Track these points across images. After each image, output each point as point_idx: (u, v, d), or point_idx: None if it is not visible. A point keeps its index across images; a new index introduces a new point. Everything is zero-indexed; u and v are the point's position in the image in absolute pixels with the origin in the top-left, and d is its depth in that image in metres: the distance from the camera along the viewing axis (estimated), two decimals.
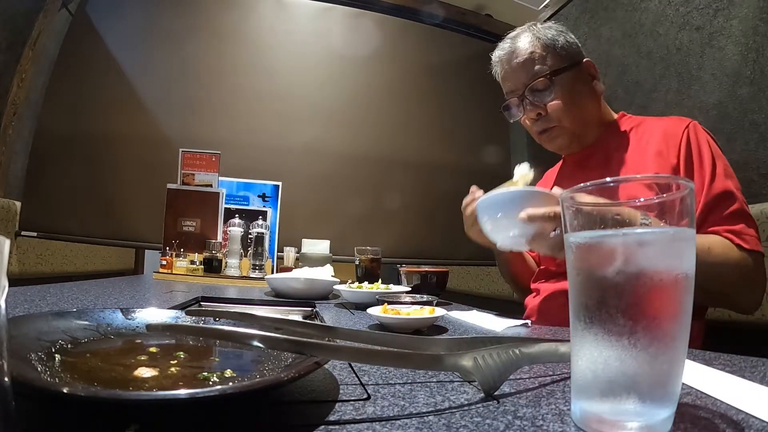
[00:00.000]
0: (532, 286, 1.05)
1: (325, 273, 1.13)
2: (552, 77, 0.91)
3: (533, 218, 0.65)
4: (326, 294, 1.06)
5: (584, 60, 0.96)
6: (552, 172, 1.15)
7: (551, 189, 1.07)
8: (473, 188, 0.91)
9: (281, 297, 1.01)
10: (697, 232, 0.78)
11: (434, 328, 0.67)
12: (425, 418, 0.28)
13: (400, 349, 0.37)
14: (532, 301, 1.02)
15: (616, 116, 1.01)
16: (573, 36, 0.97)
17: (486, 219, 0.72)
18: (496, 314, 0.86)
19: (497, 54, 0.99)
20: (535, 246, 0.70)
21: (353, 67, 2.17)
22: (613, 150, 0.94)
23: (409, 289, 1.02)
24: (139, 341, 0.40)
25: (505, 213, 0.69)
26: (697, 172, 0.81)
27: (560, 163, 1.12)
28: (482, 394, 0.33)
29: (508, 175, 0.84)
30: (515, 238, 0.69)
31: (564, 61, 0.93)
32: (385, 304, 0.70)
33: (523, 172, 0.80)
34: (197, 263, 1.40)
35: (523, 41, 0.95)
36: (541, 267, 1.06)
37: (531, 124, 0.97)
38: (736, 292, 0.76)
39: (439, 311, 0.66)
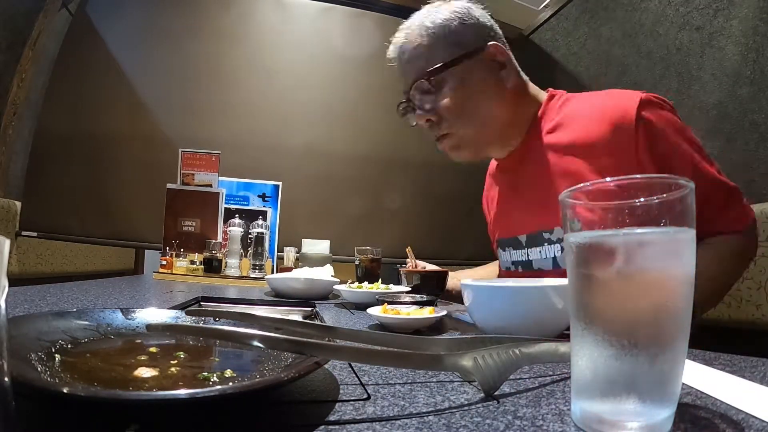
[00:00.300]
0: None
1: (325, 273, 1.13)
2: (434, 75, 0.76)
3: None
4: (326, 294, 1.06)
5: (488, 45, 0.78)
6: (490, 177, 1.02)
7: (491, 200, 1.01)
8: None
9: (281, 297, 1.01)
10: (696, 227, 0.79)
11: (434, 328, 0.67)
12: (425, 418, 0.28)
13: (400, 349, 0.37)
14: None
15: (542, 102, 0.84)
16: (477, 14, 0.80)
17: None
18: None
19: (390, 49, 0.86)
20: None
21: (353, 67, 2.17)
22: (544, 149, 0.79)
23: (409, 289, 1.02)
24: (139, 341, 0.40)
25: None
26: (677, 167, 0.69)
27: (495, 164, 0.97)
28: (482, 394, 0.33)
29: None
30: None
31: (454, 51, 0.77)
32: (385, 304, 0.70)
33: None
34: (197, 263, 1.40)
35: (411, 32, 0.81)
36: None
37: (428, 131, 0.83)
38: (740, 273, 0.82)
39: (440, 311, 0.66)
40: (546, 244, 0.82)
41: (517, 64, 0.82)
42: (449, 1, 0.81)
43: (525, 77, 0.85)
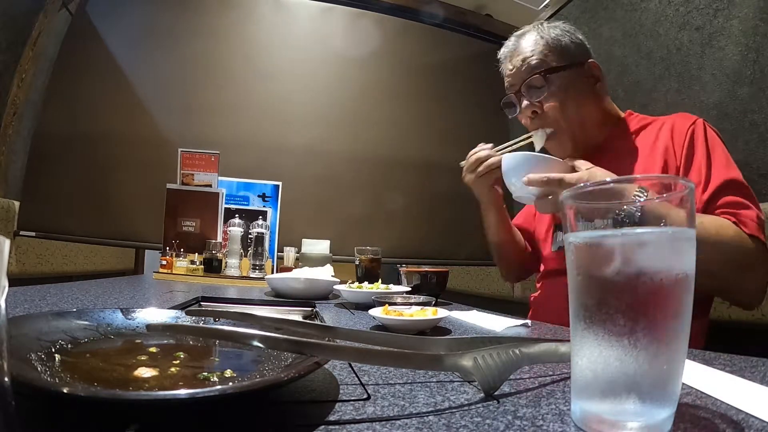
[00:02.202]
0: (537, 285, 1.05)
1: (325, 273, 1.13)
2: (547, 74, 0.90)
3: (532, 182, 0.76)
4: (326, 294, 1.06)
5: (588, 61, 0.94)
6: None
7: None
8: (484, 146, 1.00)
9: (281, 297, 1.01)
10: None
11: (434, 328, 0.67)
12: (425, 418, 0.28)
13: (400, 349, 0.37)
14: (536, 300, 1.03)
15: (623, 115, 0.99)
16: (581, 36, 0.96)
17: (511, 175, 0.82)
18: (496, 314, 0.86)
19: (502, 51, 1.01)
20: (539, 205, 0.79)
21: (353, 68, 2.17)
22: (621, 152, 0.93)
23: (409, 289, 1.02)
24: (139, 341, 0.40)
25: (526, 172, 0.78)
26: (696, 165, 0.81)
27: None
28: (482, 394, 0.33)
29: None
30: (527, 195, 0.80)
31: (564, 60, 0.92)
32: (386, 305, 0.70)
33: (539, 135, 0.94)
34: (197, 263, 1.40)
35: (527, 39, 0.95)
36: (544, 269, 1.07)
37: (529, 123, 0.96)
38: (736, 277, 0.74)
39: (442, 312, 0.66)
40: None
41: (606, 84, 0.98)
42: (557, 20, 0.99)
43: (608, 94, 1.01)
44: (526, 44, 0.94)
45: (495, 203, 1.06)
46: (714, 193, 0.78)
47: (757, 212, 0.77)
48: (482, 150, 0.99)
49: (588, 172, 0.76)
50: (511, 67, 0.97)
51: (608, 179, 0.28)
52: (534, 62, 0.92)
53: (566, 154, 0.95)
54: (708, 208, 0.78)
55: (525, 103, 0.93)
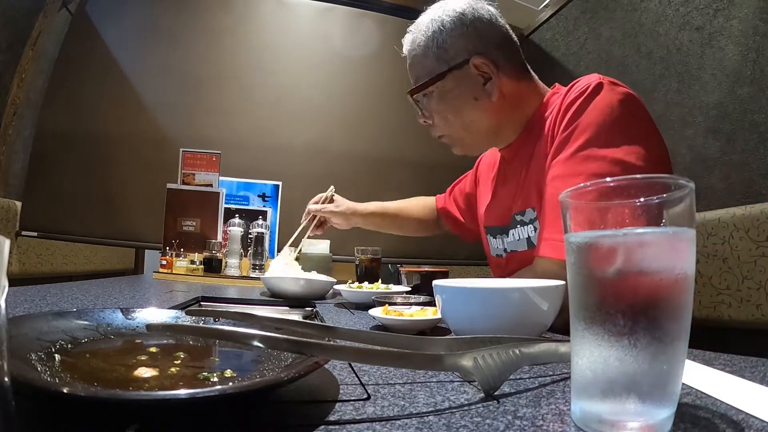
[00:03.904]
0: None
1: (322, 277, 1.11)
2: (424, 88, 0.83)
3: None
4: (323, 294, 1.05)
5: (472, 59, 0.80)
6: (490, 165, 1.07)
7: (489, 182, 1.05)
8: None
9: (277, 297, 1.01)
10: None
11: (434, 328, 0.67)
12: (425, 418, 0.28)
13: (400, 349, 0.37)
14: None
15: (546, 96, 0.86)
16: (485, 10, 0.82)
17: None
18: None
19: (403, 49, 0.91)
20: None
21: (353, 67, 2.17)
22: (536, 142, 0.82)
23: (409, 289, 1.02)
24: (139, 341, 0.40)
25: None
26: (552, 149, 0.72)
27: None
28: (482, 394, 0.33)
29: None
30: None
31: (439, 66, 0.81)
32: (386, 305, 0.70)
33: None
34: (197, 263, 1.40)
35: (407, 39, 0.87)
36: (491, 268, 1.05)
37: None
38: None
39: None
40: (519, 226, 0.86)
41: (512, 69, 0.84)
42: (446, 7, 0.83)
43: (532, 76, 0.88)
44: (407, 46, 0.87)
45: (347, 223, 1.24)
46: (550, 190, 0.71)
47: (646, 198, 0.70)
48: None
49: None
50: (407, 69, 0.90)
51: (608, 179, 0.28)
52: (416, 70, 0.85)
53: (465, 155, 0.94)
54: (541, 215, 0.73)
55: (417, 115, 0.91)
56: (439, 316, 0.63)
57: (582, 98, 0.71)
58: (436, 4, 0.86)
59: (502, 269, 0.93)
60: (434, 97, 0.83)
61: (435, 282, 0.58)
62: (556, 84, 0.87)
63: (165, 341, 0.40)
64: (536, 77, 0.89)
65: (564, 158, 0.70)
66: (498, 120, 0.85)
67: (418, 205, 1.25)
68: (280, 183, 1.70)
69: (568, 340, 0.30)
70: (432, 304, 0.78)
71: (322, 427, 0.26)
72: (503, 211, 0.91)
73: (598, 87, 0.71)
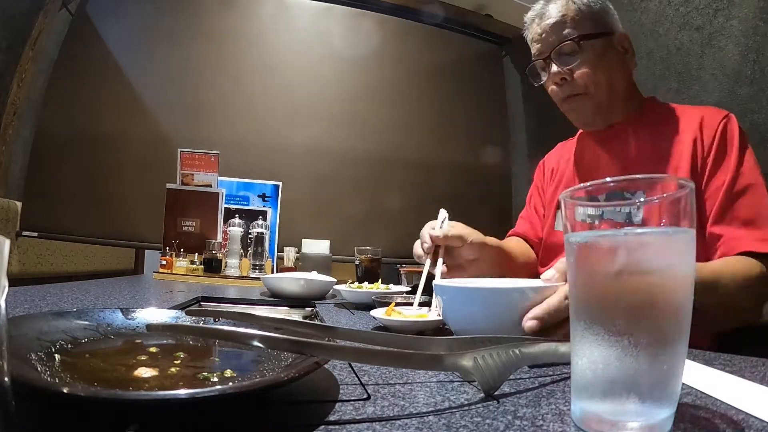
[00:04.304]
0: (540, 270, 1.03)
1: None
2: (580, 41, 0.88)
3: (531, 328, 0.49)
4: (323, 294, 1.05)
5: (619, 33, 0.92)
6: (566, 148, 1.09)
7: (570, 168, 1.05)
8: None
9: (277, 297, 1.01)
10: (715, 227, 0.78)
11: (435, 328, 0.67)
12: (425, 418, 0.28)
13: (400, 349, 0.37)
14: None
15: (645, 100, 0.97)
16: (611, 5, 0.94)
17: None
18: None
19: (529, 15, 0.97)
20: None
21: (353, 67, 2.17)
22: (638, 134, 0.91)
23: (409, 289, 1.02)
24: (139, 341, 0.40)
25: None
26: (725, 163, 0.80)
27: (576, 138, 1.06)
28: (482, 394, 0.33)
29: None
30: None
31: (596, 28, 0.89)
32: (392, 304, 0.70)
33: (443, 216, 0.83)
34: (197, 263, 1.40)
35: (556, 3, 0.92)
36: (543, 252, 1.05)
37: (556, 90, 0.93)
38: (758, 304, 0.77)
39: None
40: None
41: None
42: None
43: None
44: (555, 8, 0.91)
45: (475, 254, 0.85)
46: (736, 197, 0.78)
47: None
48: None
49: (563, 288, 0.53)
50: (540, 32, 0.93)
51: (609, 179, 0.28)
52: (566, 29, 0.89)
53: (585, 121, 0.96)
54: (726, 214, 0.77)
55: (555, 69, 0.90)
56: (433, 317, 0.63)
57: (731, 123, 0.85)
58: None
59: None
60: (587, 54, 0.89)
61: (435, 282, 0.58)
62: (653, 96, 0.99)
63: (165, 341, 0.40)
64: None
65: (734, 167, 0.80)
66: (628, 91, 0.95)
67: (519, 246, 1.09)
68: (280, 183, 1.70)
69: (568, 340, 0.30)
70: (430, 304, 0.78)
71: (322, 427, 0.26)
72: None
73: (733, 118, 0.86)
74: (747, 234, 0.75)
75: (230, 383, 0.31)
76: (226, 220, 1.52)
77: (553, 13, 0.91)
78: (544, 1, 0.94)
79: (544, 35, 0.92)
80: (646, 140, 0.90)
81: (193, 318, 0.45)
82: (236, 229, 1.48)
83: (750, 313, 0.78)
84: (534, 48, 0.96)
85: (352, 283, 1.06)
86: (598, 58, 0.88)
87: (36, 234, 1.80)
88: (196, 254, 1.41)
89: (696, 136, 0.84)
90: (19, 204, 1.84)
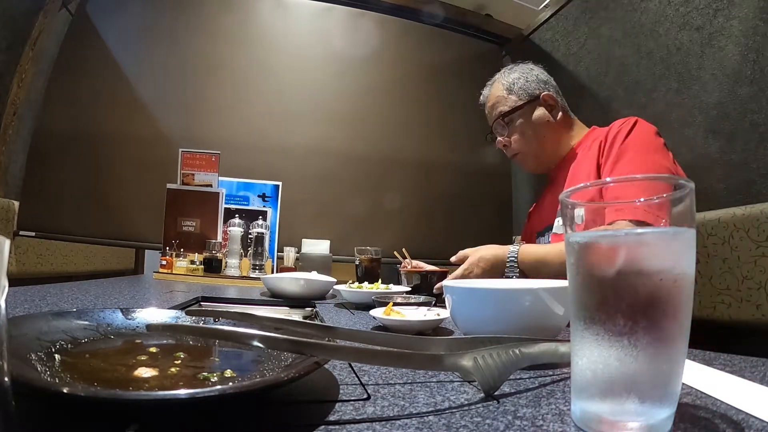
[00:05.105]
0: None
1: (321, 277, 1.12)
2: (506, 117, 1.14)
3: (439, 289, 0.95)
4: (323, 294, 1.05)
5: (542, 95, 1.13)
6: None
7: (542, 202, 1.27)
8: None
9: (277, 297, 1.01)
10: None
11: (435, 328, 0.67)
12: (425, 418, 0.28)
13: (400, 349, 0.37)
14: None
15: (586, 132, 1.15)
16: (537, 72, 1.18)
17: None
18: None
19: (480, 100, 1.25)
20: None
21: (353, 67, 2.17)
22: (578, 161, 1.08)
23: (409, 289, 1.02)
24: (139, 341, 0.40)
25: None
26: (614, 153, 0.94)
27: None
28: (482, 394, 0.33)
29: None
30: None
31: (520, 101, 1.14)
32: (390, 304, 0.70)
33: None
34: (197, 263, 1.40)
35: (493, 87, 1.19)
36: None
37: (504, 151, 1.21)
38: None
39: (445, 313, 0.66)
40: (539, 238, 1.19)
41: (565, 107, 1.18)
42: (518, 64, 1.21)
43: (572, 116, 1.19)
44: (493, 91, 1.19)
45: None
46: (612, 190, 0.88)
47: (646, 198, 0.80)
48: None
49: (475, 258, 1.00)
50: (485, 111, 1.23)
51: (608, 179, 0.28)
52: (497, 108, 1.16)
53: (530, 170, 1.22)
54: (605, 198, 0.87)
55: (498, 138, 1.19)
56: (441, 317, 0.63)
57: (627, 125, 0.97)
58: (507, 66, 1.22)
59: None
60: (516, 123, 1.14)
61: (445, 283, 0.58)
62: (594, 126, 1.16)
63: (165, 341, 0.40)
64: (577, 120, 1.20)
65: (624, 162, 0.93)
66: (558, 139, 1.14)
67: None
68: (280, 183, 1.70)
69: (568, 340, 0.30)
70: (430, 303, 0.78)
71: (322, 427, 0.26)
72: (543, 218, 1.20)
73: (636, 121, 0.98)
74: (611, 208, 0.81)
75: (230, 383, 0.31)
76: (226, 220, 1.52)
77: (489, 95, 1.20)
78: (488, 86, 1.22)
79: (488, 114, 1.21)
80: (579, 165, 1.07)
81: (193, 318, 0.45)
82: (236, 229, 1.48)
83: None
84: (489, 122, 1.22)
85: (352, 283, 1.06)
86: (524, 125, 1.14)
87: (33, 234, 1.80)
88: (196, 254, 1.41)
89: (600, 145, 1.00)
90: (16, 204, 1.84)
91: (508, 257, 1.00)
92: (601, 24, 1.81)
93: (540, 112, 1.14)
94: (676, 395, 0.26)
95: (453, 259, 1.05)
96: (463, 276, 0.99)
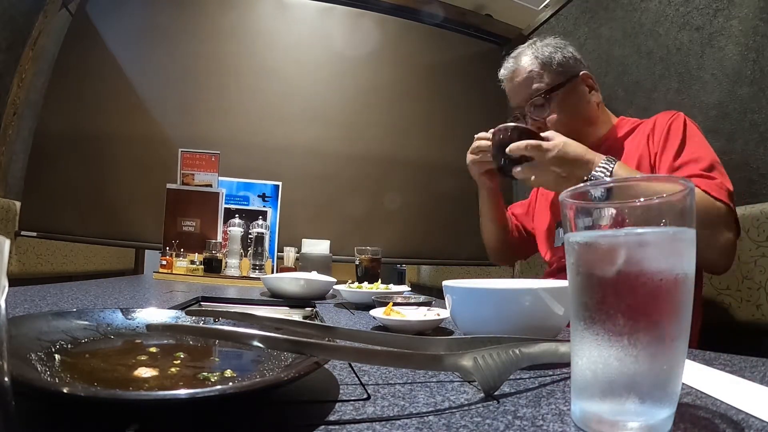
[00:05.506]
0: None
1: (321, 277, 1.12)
2: (548, 95, 0.99)
3: (513, 150, 0.85)
4: (323, 294, 1.05)
5: (581, 73, 1.02)
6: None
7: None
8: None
9: (277, 297, 1.01)
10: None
11: (435, 328, 0.67)
12: (425, 418, 0.28)
13: (400, 349, 0.37)
14: None
15: (615, 121, 1.07)
16: (572, 49, 1.04)
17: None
18: None
19: (502, 72, 1.08)
20: (520, 173, 0.87)
21: (353, 67, 2.17)
22: (610, 151, 0.99)
23: (409, 289, 1.02)
24: (139, 341, 0.40)
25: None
26: (670, 145, 0.89)
27: None
28: (482, 394, 0.33)
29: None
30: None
31: (560, 77, 1.00)
32: (390, 304, 0.70)
33: None
34: (197, 263, 1.40)
35: (523, 60, 1.03)
36: (548, 267, 1.10)
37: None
38: (701, 237, 0.79)
39: (444, 313, 0.66)
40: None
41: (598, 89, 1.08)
42: (546, 38, 1.06)
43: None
44: (523, 65, 1.03)
45: (486, 186, 1.13)
46: (684, 162, 0.86)
47: (724, 182, 0.82)
48: (482, 133, 1.02)
49: (562, 141, 0.84)
50: (512, 88, 1.05)
51: (608, 179, 0.28)
52: (534, 83, 1.01)
53: None
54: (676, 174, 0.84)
55: (530, 120, 1.02)
56: (441, 317, 0.63)
57: (677, 119, 0.93)
58: (539, 38, 1.08)
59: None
60: (553, 104, 1.00)
61: (445, 282, 0.58)
62: (622, 117, 1.09)
63: (165, 341, 0.40)
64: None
65: (677, 152, 0.88)
66: (594, 123, 1.04)
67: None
68: (280, 183, 1.70)
69: (568, 340, 0.30)
70: (430, 303, 0.78)
71: (322, 427, 0.26)
72: None
73: (683, 115, 0.95)
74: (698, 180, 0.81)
75: (230, 383, 0.31)
76: (226, 220, 1.52)
77: (521, 70, 1.03)
78: (513, 59, 1.06)
79: (517, 91, 1.04)
80: (617, 154, 0.98)
81: (193, 318, 0.45)
82: (236, 229, 1.48)
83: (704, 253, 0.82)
84: (511, 101, 1.08)
85: (352, 283, 1.06)
86: (565, 104, 1.00)
87: (35, 234, 1.80)
88: (196, 254, 1.41)
89: (648, 136, 0.95)
90: (17, 204, 1.84)
91: (601, 164, 0.83)
92: (601, 24, 1.81)
93: (581, 91, 1.02)
94: (676, 395, 0.26)
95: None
96: (540, 151, 0.83)
